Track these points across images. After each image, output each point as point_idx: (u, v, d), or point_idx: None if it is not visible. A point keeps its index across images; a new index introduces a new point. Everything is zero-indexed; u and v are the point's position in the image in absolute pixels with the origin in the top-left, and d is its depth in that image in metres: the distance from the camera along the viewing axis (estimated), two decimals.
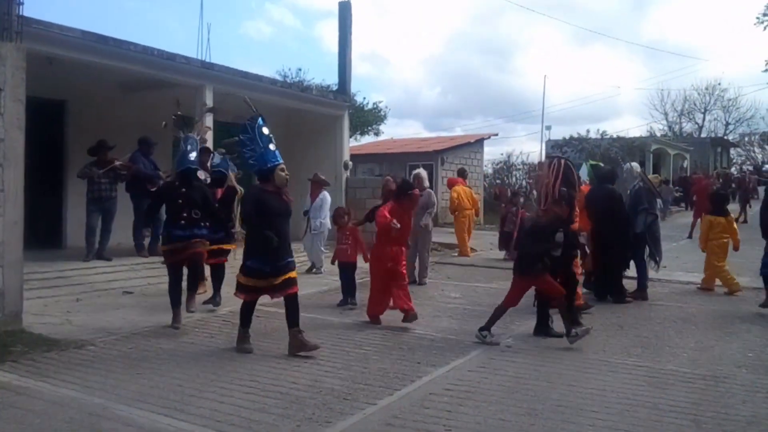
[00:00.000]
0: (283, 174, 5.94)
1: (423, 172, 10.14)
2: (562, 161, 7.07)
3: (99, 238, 9.55)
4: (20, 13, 6.39)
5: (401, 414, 4.32)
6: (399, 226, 6.94)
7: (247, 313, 5.96)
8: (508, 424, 4.17)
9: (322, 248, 11.07)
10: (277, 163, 5.95)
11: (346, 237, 8.20)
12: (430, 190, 10.22)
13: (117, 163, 9.68)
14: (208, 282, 7.94)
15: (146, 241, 10.25)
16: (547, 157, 8.12)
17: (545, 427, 4.12)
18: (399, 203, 7.22)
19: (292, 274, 5.81)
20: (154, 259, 10.05)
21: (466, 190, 14.00)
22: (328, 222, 10.86)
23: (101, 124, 10.81)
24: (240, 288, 5.89)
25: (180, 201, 6.74)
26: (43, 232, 10.67)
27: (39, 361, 5.37)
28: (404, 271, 7.24)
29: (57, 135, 11.17)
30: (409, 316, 6.85)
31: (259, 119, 6.05)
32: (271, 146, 6.01)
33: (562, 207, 6.51)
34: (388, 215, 7.03)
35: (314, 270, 11.02)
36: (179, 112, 7.17)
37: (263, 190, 5.91)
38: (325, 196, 11.24)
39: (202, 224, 6.91)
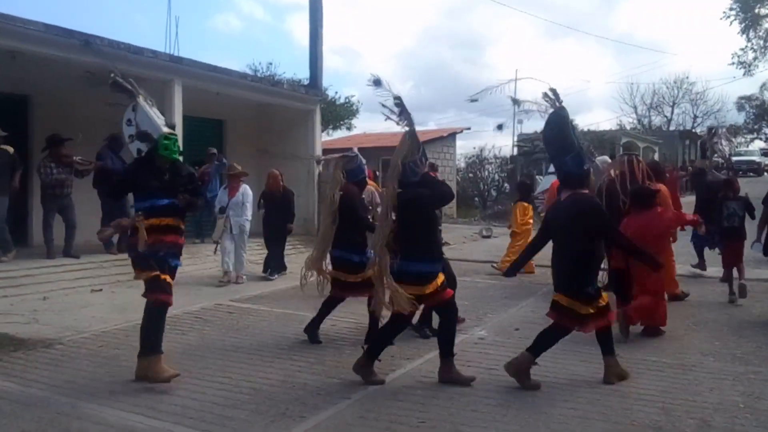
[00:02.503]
0: (593, 178, 5.09)
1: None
2: (634, 157, 7.24)
3: (64, 235, 9.37)
4: None
5: (375, 407, 4.32)
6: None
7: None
8: (480, 415, 4.20)
9: (245, 252, 9.89)
10: (587, 165, 5.03)
11: None
12: (372, 188, 9.35)
13: (77, 158, 9.49)
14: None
15: (115, 239, 10.10)
16: (620, 156, 8.02)
17: (517, 417, 4.16)
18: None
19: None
20: (123, 256, 9.90)
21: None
22: (248, 221, 9.85)
23: (66, 119, 10.60)
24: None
25: None
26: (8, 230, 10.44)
27: (5, 361, 5.26)
28: None
29: (21, 131, 10.91)
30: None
31: (566, 112, 4.98)
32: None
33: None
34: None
35: (240, 280, 9.51)
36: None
37: None
38: (246, 190, 9.88)
39: None
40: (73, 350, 5.64)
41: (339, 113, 28.88)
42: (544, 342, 4.81)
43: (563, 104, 4.93)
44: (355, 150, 6.30)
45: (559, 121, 4.88)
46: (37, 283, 8.18)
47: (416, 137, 4.95)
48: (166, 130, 4.96)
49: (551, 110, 4.95)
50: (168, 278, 4.80)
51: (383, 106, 4.95)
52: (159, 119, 5.09)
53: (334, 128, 30.10)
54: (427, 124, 64.56)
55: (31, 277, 8.31)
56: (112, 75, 5.23)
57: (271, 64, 28.90)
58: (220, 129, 14.76)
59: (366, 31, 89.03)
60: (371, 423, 4.07)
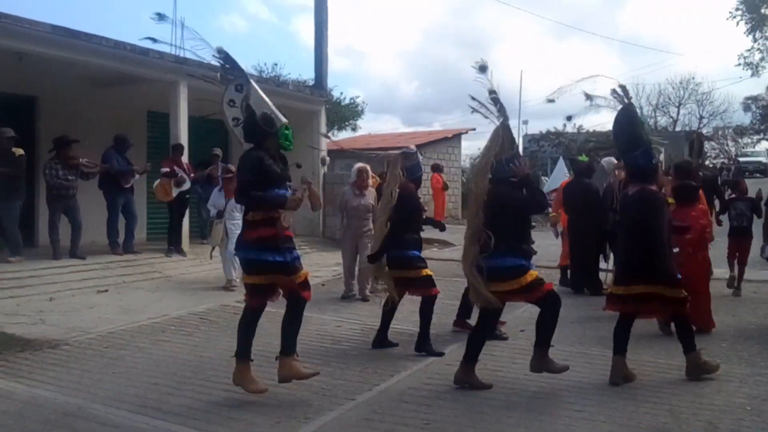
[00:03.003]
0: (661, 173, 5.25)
1: (368, 168, 8.56)
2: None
3: (70, 236, 9.41)
4: None
5: (380, 409, 4.32)
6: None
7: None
8: (485, 417, 4.19)
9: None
10: (656, 160, 5.20)
11: None
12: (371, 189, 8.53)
13: (83, 161, 9.53)
14: None
15: (120, 239, 10.15)
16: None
17: (522, 418, 4.15)
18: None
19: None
20: (128, 257, 9.96)
21: None
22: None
23: (73, 120, 10.65)
24: None
25: None
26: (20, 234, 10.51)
27: (12, 361, 5.27)
28: None
29: (28, 132, 10.96)
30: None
31: (634, 108, 5.13)
32: None
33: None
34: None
35: (232, 286, 8.64)
36: None
37: None
38: None
39: None
40: (79, 351, 5.65)
41: (344, 114, 28.97)
42: (688, 333, 4.99)
43: (631, 101, 5.03)
44: (413, 147, 6.23)
45: (628, 118, 4.98)
46: (43, 284, 8.20)
47: (511, 132, 4.87)
48: (284, 119, 4.77)
49: (620, 106, 5.03)
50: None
51: (472, 98, 4.87)
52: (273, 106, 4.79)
53: (340, 129, 30.21)
54: (432, 125, 64.62)
55: (37, 278, 8.34)
56: (220, 48, 4.89)
57: (276, 64, 29.16)
58: (226, 130, 14.76)
59: (371, 31, 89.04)
60: (376, 425, 4.06)
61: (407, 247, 5.75)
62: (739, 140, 51.22)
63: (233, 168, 9.13)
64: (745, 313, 7.44)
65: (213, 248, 9.09)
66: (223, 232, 8.78)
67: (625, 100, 4.99)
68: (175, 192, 10.49)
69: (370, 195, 8.33)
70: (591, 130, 26.97)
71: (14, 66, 9.54)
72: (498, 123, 4.82)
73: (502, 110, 4.82)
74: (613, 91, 5.00)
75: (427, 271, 5.80)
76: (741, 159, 36.44)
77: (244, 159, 4.57)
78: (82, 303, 7.68)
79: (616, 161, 9.24)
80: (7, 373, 4.97)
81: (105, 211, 10.08)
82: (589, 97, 5.11)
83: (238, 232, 8.20)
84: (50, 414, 4.15)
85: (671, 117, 52.84)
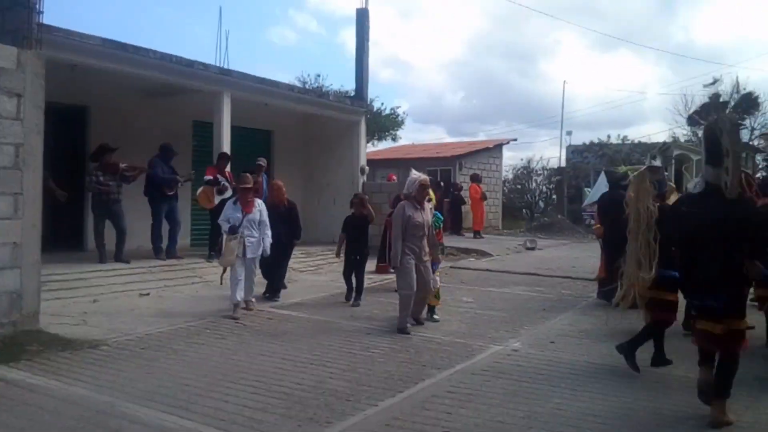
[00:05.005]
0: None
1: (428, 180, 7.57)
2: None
3: (116, 240, 9.74)
4: (39, 21, 6.58)
5: (401, 415, 4.37)
6: None
7: None
8: (506, 426, 4.20)
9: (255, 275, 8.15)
10: None
11: None
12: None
13: (122, 165, 9.88)
14: None
15: (164, 245, 10.46)
16: None
17: (543, 430, 4.15)
18: None
19: None
20: (171, 261, 10.26)
21: None
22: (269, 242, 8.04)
23: (122, 129, 11.06)
24: None
25: None
26: (65, 236, 10.94)
27: (53, 360, 5.51)
28: None
29: (80, 140, 11.45)
30: None
31: None
32: None
33: None
34: None
35: (251, 305, 7.97)
36: None
37: None
38: (262, 205, 8.14)
39: None
40: (116, 351, 5.86)
41: (384, 124, 29.20)
42: None
43: None
44: (658, 162, 6.05)
45: None
46: (88, 287, 8.52)
47: None
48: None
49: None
50: None
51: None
52: None
53: (380, 139, 30.43)
54: (477, 135, 64.38)
55: (83, 280, 8.67)
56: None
57: (319, 75, 29.63)
58: (269, 139, 15.11)
59: (417, 42, 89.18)
60: (396, 430, 4.12)
61: (671, 266, 5.23)
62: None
63: (250, 178, 8.22)
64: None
65: (224, 270, 7.90)
66: (238, 251, 7.63)
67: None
68: (217, 199, 10.73)
69: (428, 210, 7.51)
70: (636, 141, 26.54)
71: (67, 77, 9.96)
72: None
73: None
74: None
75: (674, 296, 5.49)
76: None
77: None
78: (124, 305, 7.95)
79: None
80: (47, 370, 5.20)
81: (150, 217, 10.41)
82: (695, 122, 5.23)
83: (257, 249, 7.90)
84: (84, 411, 4.33)
85: (721, 129, 51.24)
